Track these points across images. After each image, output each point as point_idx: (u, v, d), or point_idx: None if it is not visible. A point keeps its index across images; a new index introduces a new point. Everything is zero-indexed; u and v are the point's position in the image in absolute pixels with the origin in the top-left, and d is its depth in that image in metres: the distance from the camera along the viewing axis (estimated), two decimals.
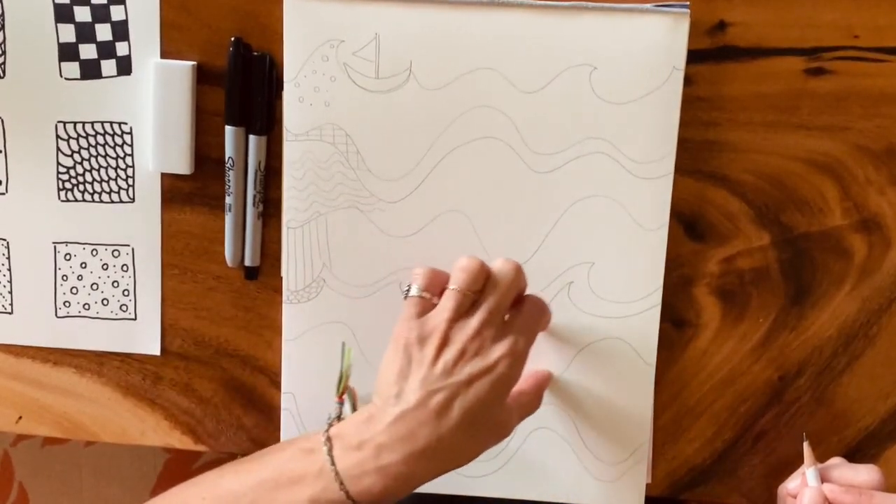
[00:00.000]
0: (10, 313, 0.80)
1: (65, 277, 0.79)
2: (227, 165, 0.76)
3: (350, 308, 0.77)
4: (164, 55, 0.75)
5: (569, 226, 0.75)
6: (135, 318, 0.80)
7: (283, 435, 0.79)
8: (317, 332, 0.77)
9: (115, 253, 0.79)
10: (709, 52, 0.73)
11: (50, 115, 0.76)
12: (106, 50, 0.75)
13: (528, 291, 0.71)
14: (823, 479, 0.72)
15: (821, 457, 0.77)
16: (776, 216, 0.75)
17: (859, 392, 0.77)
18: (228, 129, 0.75)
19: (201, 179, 0.77)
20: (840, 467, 0.73)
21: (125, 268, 0.79)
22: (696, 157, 0.74)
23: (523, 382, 0.72)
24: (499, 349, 0.66)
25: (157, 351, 0.80)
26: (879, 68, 0.72)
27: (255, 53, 0.74)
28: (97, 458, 0.86)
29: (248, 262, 0.78)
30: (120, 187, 0.77)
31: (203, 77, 0.75)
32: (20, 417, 0.82)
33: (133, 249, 0.78)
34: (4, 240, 0.79)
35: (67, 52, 0.75)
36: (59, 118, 0.77)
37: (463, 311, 0.67)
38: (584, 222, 0.75)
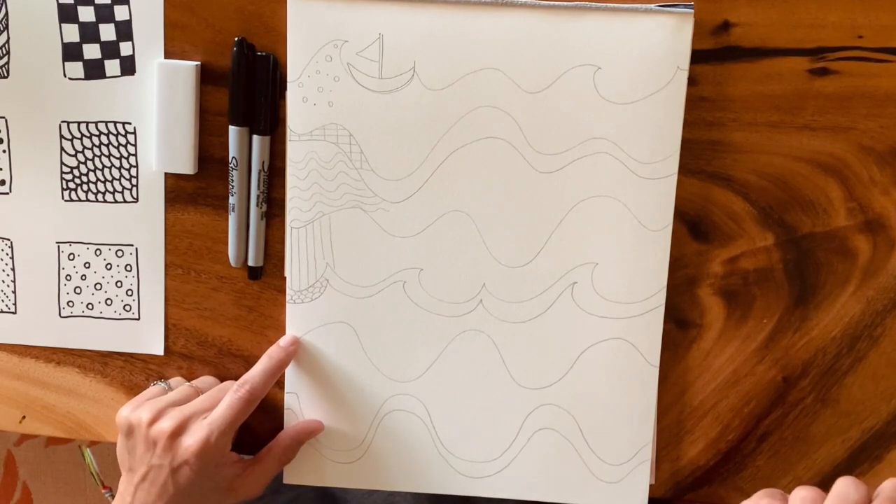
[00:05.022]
0: (14, 313, 0.80)
1: (68, 277, 0.79)
2: (231, 165, 0.76)
3: (353, 308, 0.77)
4: (167, 55, 0.75)
5: (572, 226, 0.75)
6: (138, 318, 0.80)
7: None
8: (320, 332, 0.77)
9: (119, 253, 0.79)
10: (713, 53, 0.73)
11: (54, 114, 0.77)
12: (110, 50, 0.75)
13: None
14: None
15: (824, 458, 0.78)
16: (780, 217, 0.75)
17: (863, 393, 0.77)
18: (232, 129, 0.75)
19: (205, 179, 0.77)
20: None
21: (129, 268, 0.79)
22: (700, 157, 0.74)
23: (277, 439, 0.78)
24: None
25: (160, 351, 0.80)
26: (884, 68, 0.72)
27: (259, 53, 0.75)
28: (101, 458, 0.87)
29: (251, 262, 0.78)
30: (123, 187, 0.77)
31: (207, 77, 0.75)
32: (24, 417, 0.82)
33: (136, 249, 0.79)
34: (8, 239, 0.79)
35: (71, 52, 0.75)
36: (63, 118, 0.77)
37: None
38: (587, 223, 0.74)
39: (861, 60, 0.72)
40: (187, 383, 0.78)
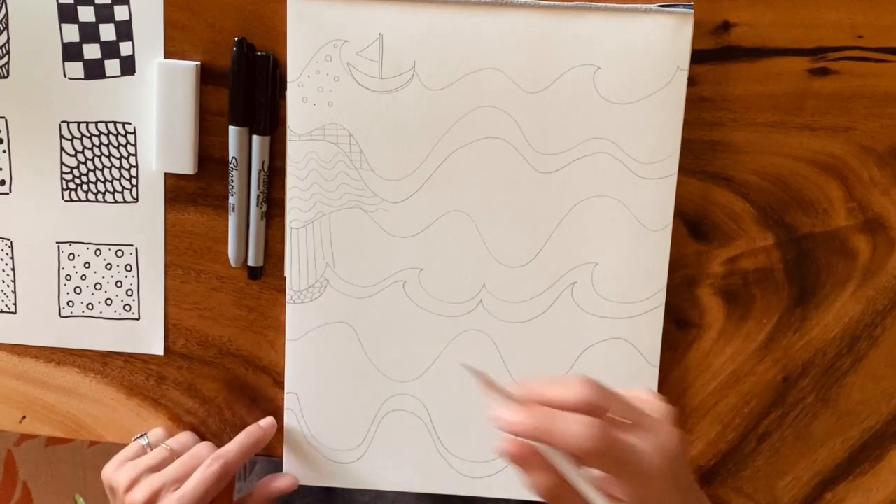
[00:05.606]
0: (14, 313, 0.80)
1: (68, 277, 0.79)
2: (231, 165, 0.76)
3: (353, 308, 0.77)
4: (167, 55, 0.75)
5: (572, 226, 0.75)
6: (138, 318, 0.80)
7: (286, 434, 0.79)
8: (320, 332, 0.77)
9: (119, 253, 0.79)
10: (713, 53, 0.73)
11: (54, 114, 0.77)
12: (110, 50, 0.75)
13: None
14: None
15: (824, 458, 0.78)
16: (780, 217, 0.75)
17: (863, 393, 0.77)
18: (232, 129, 0.75)
19: (205, 179, 0.77)
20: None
21: (129, 268, 0.79)
22: (700, 157, 0.74)
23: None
24: None
25: (160, 351, 0.80)
26: (884, 68, 0.72)
27: (259, 53, 0.74)
28: (101, 458, 0.87)
29: (251, 262, 0.78)
30: (123, 187, 0.78)
31: (207, 77, 0.75)
32: (24, 417, 0.82)
33: (136, 249, 0.79)
34: (8, 239, 0.79)
35: (71, 52, 0.75)
36: (63, 118, 0.77)
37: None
38: (587, 223, 0.74)
39: (861, 60, 0.72)
40: (164, 443, 0.78)
